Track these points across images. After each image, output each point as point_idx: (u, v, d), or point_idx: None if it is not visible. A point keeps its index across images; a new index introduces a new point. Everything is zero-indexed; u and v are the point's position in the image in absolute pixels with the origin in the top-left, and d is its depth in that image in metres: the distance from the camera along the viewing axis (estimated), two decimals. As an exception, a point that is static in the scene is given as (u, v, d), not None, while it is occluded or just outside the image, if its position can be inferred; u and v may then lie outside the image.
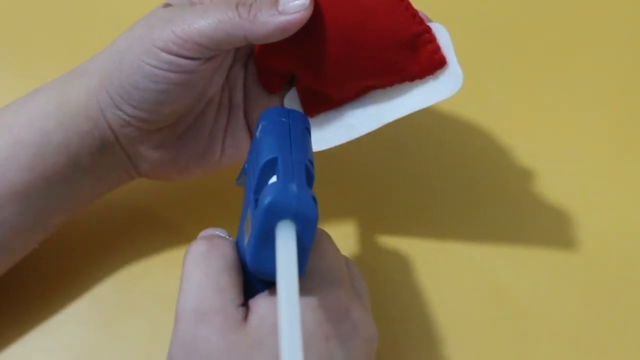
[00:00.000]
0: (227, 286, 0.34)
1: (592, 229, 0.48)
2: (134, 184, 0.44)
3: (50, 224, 0.41)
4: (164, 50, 0.37)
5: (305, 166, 0.34)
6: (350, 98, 0.41)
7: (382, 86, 0.40)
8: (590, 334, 0.44)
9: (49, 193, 0.40)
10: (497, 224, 0.48)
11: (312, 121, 0.41)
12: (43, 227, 0.41)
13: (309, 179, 0.35)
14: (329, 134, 0.42)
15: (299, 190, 0.32)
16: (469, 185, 0.49)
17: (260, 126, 0.37)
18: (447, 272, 0.46)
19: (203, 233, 0.37)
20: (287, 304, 0.29)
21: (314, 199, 0.33)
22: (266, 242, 0.32)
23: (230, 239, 0.37)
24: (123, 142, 0.40)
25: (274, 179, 0.34)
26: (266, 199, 0.32)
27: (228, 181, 0.47)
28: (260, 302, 0.33)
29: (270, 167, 0.34)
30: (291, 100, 0.42)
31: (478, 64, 0.54)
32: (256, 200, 0.34)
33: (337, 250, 0.36)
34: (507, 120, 0.52)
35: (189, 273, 0.34)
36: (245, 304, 0.34)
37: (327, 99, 0.41)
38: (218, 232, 0.37)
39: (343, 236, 0.46)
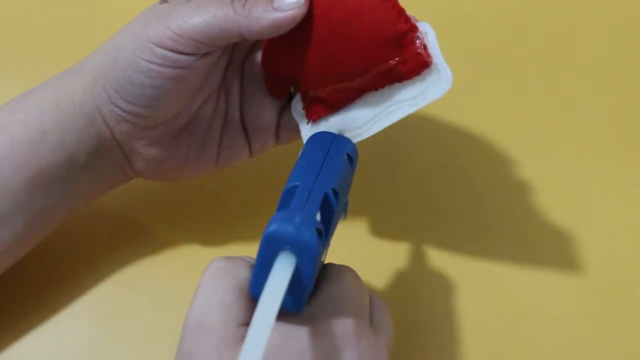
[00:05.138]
0: (232, 303, 0.34)
1: (593, 236, 0.48)
2: (134, 188, 0.44)
3: (48, 224, 0.41)
4: (158, 45, 0.37)
5: (325, 195, 0.35)
6: (344, 102, 0.41)
7: (374, 88, 0.40)
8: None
9: (46, 192, 0.40)
10: (498, 228, 0.48)
11: (315, 126, 0.41)
12: (41, 227, 0.41)
13: (328, 208, 0.35)
14: None
15: (303, 221, 0.32)
16: (466, 190, 0.49)
17: (302, 150, 0.38)
18: (443, 277, 0.46)
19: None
20: (254, 338, 0.29)
21: (318, 230, 0.33)
22: (266, 269, 0.32)
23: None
24: (119, 138, 0.40)
25: None
26: (269, 227, 0.32)
27: (226, 184, 0.48)
28: None
29: (290, 195, 0.35)
30: (296, 105, 0.42)
31: (474, 64, 0.54)
32: None
33: (359, 284, 0.36)
34: (504, 121, 0.52)
35: (201, 287, 0.35)
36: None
37: (325, 103, 0.41)
38: (248, 258, 0.37)
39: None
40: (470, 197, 0.49)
